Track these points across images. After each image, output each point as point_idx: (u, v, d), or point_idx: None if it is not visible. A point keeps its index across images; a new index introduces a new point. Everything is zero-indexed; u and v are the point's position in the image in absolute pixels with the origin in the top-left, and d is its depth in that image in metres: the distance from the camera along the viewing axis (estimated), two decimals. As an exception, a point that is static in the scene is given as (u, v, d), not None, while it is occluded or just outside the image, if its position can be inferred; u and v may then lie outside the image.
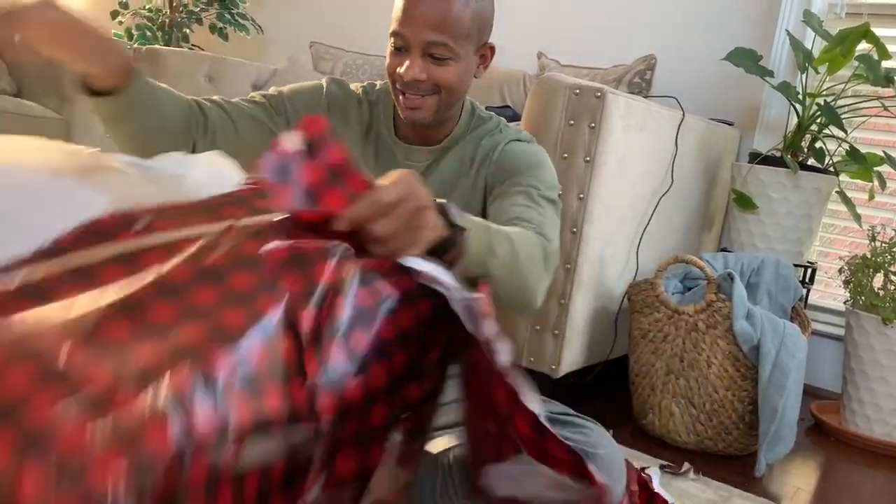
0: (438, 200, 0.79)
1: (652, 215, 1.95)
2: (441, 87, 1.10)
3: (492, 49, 1.18)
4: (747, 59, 2.09)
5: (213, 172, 0.74)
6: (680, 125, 1.98)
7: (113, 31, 3.65)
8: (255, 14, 3.70)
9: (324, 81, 1.26)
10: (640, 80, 2.39)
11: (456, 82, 1.11)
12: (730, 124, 2.37)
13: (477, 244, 0.86)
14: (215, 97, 1.18)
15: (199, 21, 3.63)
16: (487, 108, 2.43)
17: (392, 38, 1.11)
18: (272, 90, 1.23)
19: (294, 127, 0.76)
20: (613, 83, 2.38)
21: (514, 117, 2.35)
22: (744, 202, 2.09)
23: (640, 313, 1.77)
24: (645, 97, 2.36)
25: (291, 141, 0.69)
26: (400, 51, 1.11)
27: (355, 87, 1.28)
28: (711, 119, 2.28)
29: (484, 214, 1.21)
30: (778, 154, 2.13)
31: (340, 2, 3.49)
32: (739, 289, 1.63)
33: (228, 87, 2.80)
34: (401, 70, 1.10)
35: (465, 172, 1.22)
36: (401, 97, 1.13)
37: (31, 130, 2.36)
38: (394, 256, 0.66)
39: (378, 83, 1.29)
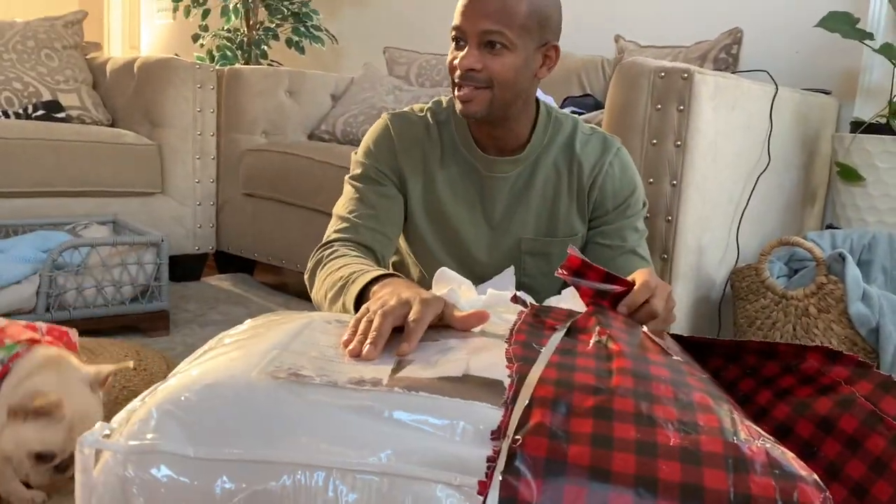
0: None
1: (750, 197, 1.87)
2: (494, 80, 1.11)
3: (556, 49, 1.18)
4: (843, 23, 1.97)
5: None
6: (773, 99, 1.88)
7: (195, 54, 3.78)
8: (330, 25, 3.76)
9: (388, 120, 1.27)
10: (726, 56, 2.29)
11: (510, 75, 1.12)
12: (827, 93, 2.24)
13: None
14: (363, 217, 1.20)
15: (276, 37, 3.72)
16: (568, 98, 2.40)
17: (452, 33, 1.14)
18: (362, 159, 1.27)
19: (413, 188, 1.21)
20: (698, 61, 2.29)
21: (597, 105, 2.30)
22: (848, 174, 1.97)
23: (744, 300, 1.69)
24: (733, 73, 2.26)
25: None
26: (458, 44, 1.13)
27: (420, 108, 1.29)
28: (806, 90, 2.16)
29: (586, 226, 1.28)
30: (882, 121, 2.00)
31: (411, 5, 3.49)
32: (853, 269, 1.54)
33: (308, 99, 2.85)
34: (456, 61, 1.12)
35: (561, 182, 1.24)
36: (456, 91, 1.15)
37: (128, 157, 2.46)
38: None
39: (444, 100, 1.30)
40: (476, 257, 1.25)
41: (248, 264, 2.85)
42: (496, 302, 0.91)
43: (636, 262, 1.24)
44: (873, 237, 1.75)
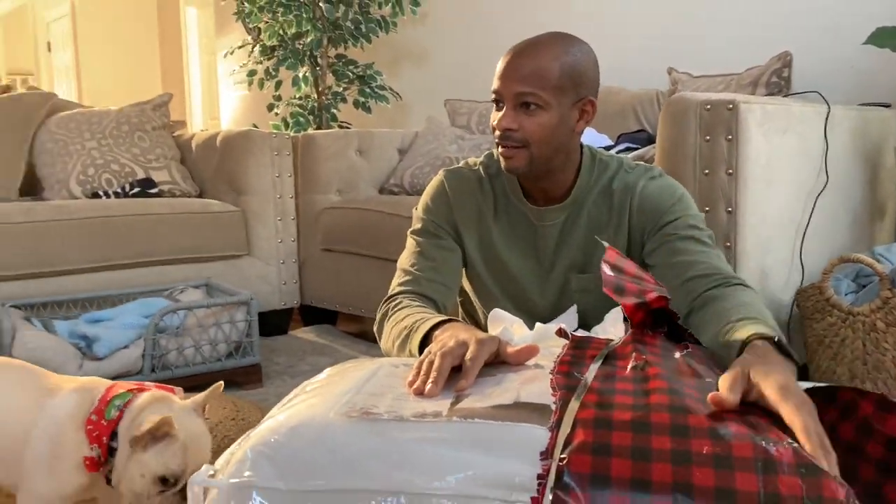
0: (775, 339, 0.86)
1: (811, 216, 1.88)
2: (530, 139, 1.18)
3: (592, 104, 1.23)
4: (892, 38, 1.98)
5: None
6: (827, 119, 1.90)
7: (270, 122, 4.02)
8: (393, 83, 3.95)
9: (443, 177, 1.36)
10: (777, 80, 2.32)
11: (545, 133, 1.18)
12: (886, 106, 2.24)
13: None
14: (423, 272, 1.28)
15: (344, 99, 3.93)
16: (622, 135, 2.47)
17: (493, 96, 1.22)
18: (421, 215, 1.36)
19: (469, 239, 1.31)
20: (749, 87, 2.33)
21: (650, 139, 2.36)
22: (914, 186, 1.96)
23: (811, 319, 1.71)
24: (785, 96, 2.28)
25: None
26: (498, 105, 1.21)
27: (474, 162, 1.37)
28: (863, 105, 2.16)
29: (638, 260, 1.25)
30: (945, 129, 1.98)
31: (468, 57, 3.65)
32: (918, 281, 1.54)
33: (377, 156, 3.01)
34: (495, 122, 1.20)
35: (605, 223, 1.27)
36: (499, 149, 1.22)
37: (216, 224, 2.66)
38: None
39: (495, 152, 1.35)
40: (531, 299, 1.31)
41: (331, 315, 3.00)
42: (544, 336, 0.98)
43: (701, 275, 1.14)
44: (943, 247, 1.74)
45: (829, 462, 0.66)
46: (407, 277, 1.27)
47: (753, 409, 0.73)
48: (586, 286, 1.28)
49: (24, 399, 1.16)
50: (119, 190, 2.78)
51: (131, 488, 1.12)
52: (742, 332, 0.90)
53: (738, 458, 0.65)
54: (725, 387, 0.74)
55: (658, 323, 0.93)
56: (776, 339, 0.85)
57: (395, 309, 1.18)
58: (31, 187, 2.83)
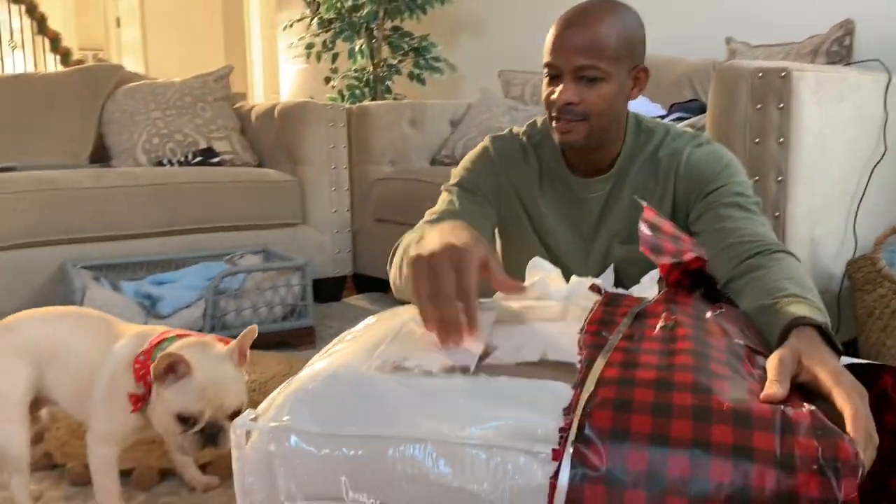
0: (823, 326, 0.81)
1: (866, 187, 1.84)
2: (591, 112, 1.15)
3: (646, 71, 1.21)
4: (959, 3, 1.91)
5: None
6: (887, 88, 1.85)
7: (327, 94, 4.09)
8: (448, 54, 3.96)
9: (487, 143, 1.33)
10: (838, 48, 2.25)
11: (606, 105, 1.16)
12: (953, 75, 2.16)
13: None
14: (445, 215, 1.23)
15: (399, 72, 3.96)
16: (674, 104, 2.44)
17: (545, 70, 1.18)
18: (461, 172, 1.32)
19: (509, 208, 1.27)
20: (809, 56, 2.27)
21: (702, 108, 2.33)
22: (979, 157, 1.90)
23: (862, 291, 1.68)
24: (846, 65, 2.22)
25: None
26: (553, 79, 1.18)
27: (517, 131, 1.35)
28: (929, 73, 2.09)
29: (685, 228, 1.22)
30: None
31: (524, 27, 3.63)
32: (974, 252, 1.50)
33: (430, 128, 3.04)
34: (554, 96, 1.16)
35: (651, 191, 1.24)
36: (554, 123, 1.19)
37: (273, 193, 2.75)
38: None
39: (538, 120, 1.34)
40: (572, 270, 1.26)
41: (383, 284, 3.07)
42: (579, 290, 1.00)
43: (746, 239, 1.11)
44: None
45: (869, 450, 0.65)
46: (427, 219, 1.25)
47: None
48: (630, 256, 1.26)
49: (97, 344, 1.25)
50: (182, 159, 2.89)
51: (159, 424, 1.18)
52: (787, 313, 0.86)
53: (757, 418, 0.66)
54: (773, 375, 0.72)
55: (695, 286, 0.93)
56: (822, 327, 0.82)
57: (399, 244, 1.17)
58: (101, 155, 2.97)
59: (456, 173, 1.33)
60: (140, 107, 2.97)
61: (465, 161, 1.34)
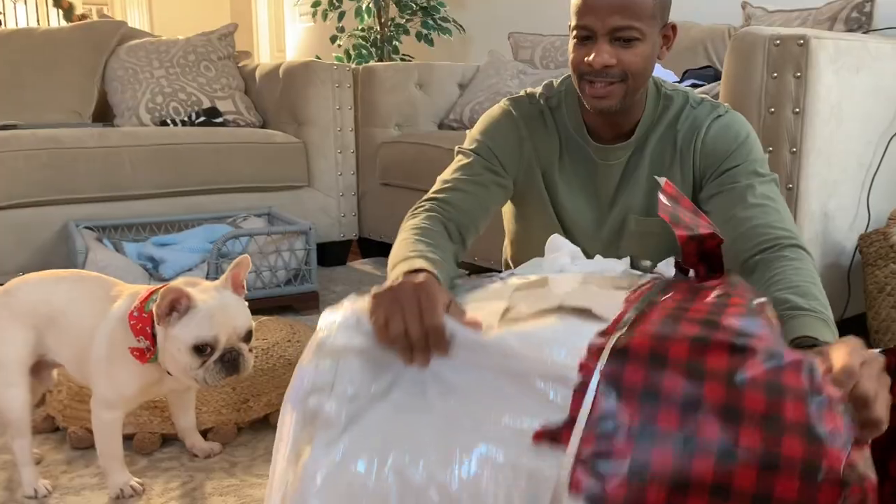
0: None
1: (882, 160, 1.81)
2: (628, 73, 1.11)
3: (674, 28, 1.17)
4: None
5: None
6: (907, 57, 1.81)
7: (333, 54, 4.03)
8: (456, 15, 3.89)
9: (508, 105, 1.27)
10: (858, 15, 2.19)
11: (643, 65, 1.12)
12: (975, 45, 2.10)
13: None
14: (456, 194, 1.19)
15: (406, 31, 3.89)
16: (688, 71, 2.39)
17: (575, 31, 1.13)
18: (478, 136, 1.26)
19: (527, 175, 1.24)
20: (827, 22, 2.22)
21: (717, 76, 2.28)
22: None
23: (873, 266, 1.66)
24: (866, 32, 2.17)
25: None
26: (585, 41, 1.12)
27: (533, 91, 1.29)
28: (950, 43, 2.04)
29: (696, 202, 1.20)
30: None
31: (534, -12, 3.55)
32: None
33: (437, 90, 2.99)
34: (589, 59, 1.11)
35: (672, 161, 1.21)
36: (587, 87, 1.14)
37: (278, 154, 2.71)
38: (880, 425, 0.69)
39: (555, 82, 1.29)
40: (583, 240, 1.26)
41: (388, 249, 3.04)
42: (603, 268, 0.98)
43: (755, 214, 1.11)
44: None
45: (842, 388, 0.67)
46: (442, 196, 1.19)
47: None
48: (648, 229, 1.23)
49: (95, 306, 1.24)
50: (186, 118, 2.85)
51: (175, 367, 1.18)
52: (793, 331, 0.88)
53: (751, 349, 0.68)
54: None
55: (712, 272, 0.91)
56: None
57: (409, 227, 1.12)
58: (104, 114, 2.93)
59: (472, 136, 1.28)
60: (143, 65, 2.93)
61: (484, 125, 1.28)
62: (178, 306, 1.14)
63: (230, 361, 1.17)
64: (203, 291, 1.18)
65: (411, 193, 2.73)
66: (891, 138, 1.81)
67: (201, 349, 1.15)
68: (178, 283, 1.18)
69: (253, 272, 2.22)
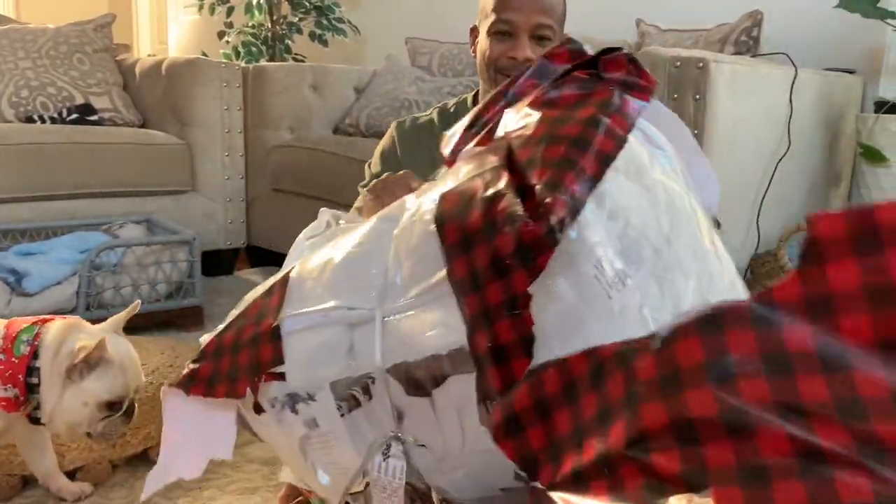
0: None
1: (770, 182, 1.87)
2: None
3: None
4: (863, 3, 1.95)
5: None
6: (793, 83, 1.87)
7: (221, 50, 3.84)
8: (352, 16, 3.78)
9: (392, 127, 1.37)
10: (746, 38, 2.27)
11: None
12: (850, 72, 2.22)
13: None
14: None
15: (299, 31, 3.76)
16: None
17: (495, 26, 1.19)
18: (373, 169, 1.36)
19: None
20: (718, 44, 2.28)
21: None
22: (872, 155, 1.96)
23: (764, 286, 1.70)
24: (753, 56, 2.24)
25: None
26: (504, 37, 1.19)
27: (427, 113, 1.37)
28: (828, 69, 2.14)
29: None
30: (908, 100, 1.98)
31: (432, -7, 3.51)
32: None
33: (332, 94, 2.89)
34: (513, 53, 1.18)
35: None
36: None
37: (159, 156, 2.53)
38: None
39: (450, 103, 1.36)
40: None
41: (279, 258, 2.91)
42: None
43: None
44: None
45: None
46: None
47: None
48: None
49: None
50: (55, 115, 2.62)
51: (72, 420, 1.09)
52: None
53: None
54: None
55: None
56: None
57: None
58: (-41, 107, 2.65)
59: (371, 174, 1.36)
60: (7, 54, 2.67)
61: (375, 155, 1.38)
62: (92, 359, 1.06)
63: (128, 411, 1.12)
64: (111, 340, 1.11)
65: (304, 200, 2.62)
66: (778, 161, 1.87)
67: (112, 405, 1.09)
68: (64, 326, 1.09)
69: (129, 285, 2.05)
